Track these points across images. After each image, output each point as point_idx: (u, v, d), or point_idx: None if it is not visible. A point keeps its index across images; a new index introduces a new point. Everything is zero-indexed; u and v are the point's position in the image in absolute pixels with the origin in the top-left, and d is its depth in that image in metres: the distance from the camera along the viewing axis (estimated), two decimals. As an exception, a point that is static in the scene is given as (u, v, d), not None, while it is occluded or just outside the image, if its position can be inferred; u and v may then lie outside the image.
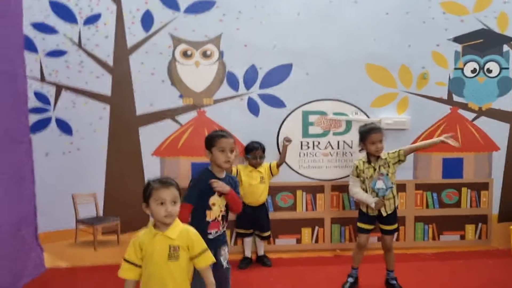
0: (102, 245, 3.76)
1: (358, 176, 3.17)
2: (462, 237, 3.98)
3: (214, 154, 2.54)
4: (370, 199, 3.09)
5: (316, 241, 3.91)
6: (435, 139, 3.29)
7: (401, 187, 3.89)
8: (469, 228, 3.98)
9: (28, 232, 3.48)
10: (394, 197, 3.16)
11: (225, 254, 2.63)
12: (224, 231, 2.63)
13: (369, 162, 3.13)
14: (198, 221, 2.50)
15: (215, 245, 2.53)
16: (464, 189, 3.95)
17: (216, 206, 2.55)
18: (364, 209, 3.17)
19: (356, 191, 3.16)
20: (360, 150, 3.33)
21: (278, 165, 3.72)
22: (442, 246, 3.95)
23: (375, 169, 3.11)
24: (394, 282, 3.14)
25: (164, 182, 2.05)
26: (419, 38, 3.77)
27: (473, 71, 3.86)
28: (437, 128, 3.87)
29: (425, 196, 3.94)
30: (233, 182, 2.66)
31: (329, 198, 3.89)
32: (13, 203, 3.26)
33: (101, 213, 3.74)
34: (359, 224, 3.21)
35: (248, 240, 3.74)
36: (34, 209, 3.58)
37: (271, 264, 3.69)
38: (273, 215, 3.77)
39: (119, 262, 3.70)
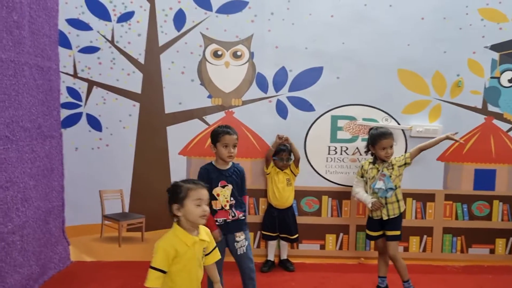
0: (126, 241, 3.79)
1: (362, 176, 3.22)
2: (492, 251, 3.86)
3: (218, 149, 2.84)
4: (368, 199, 3.11)
5: (340, 247, 3.85)
6: (440, 136, 3.28)
7: (430, 197, 3.81)
8: (500, 242, 3.85)
9: (55, 225, 3.55)
10: (398, 201, 3.15)
11: (242, 241, 2.86)
12: (238, 219, 2.87)
13: (373, 163, 3.16)
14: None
15: (225, 230, 2.82)
16: (495, 202, 3.82)
17: (221, 196, 2.84)
18: (369, 214, 3.21)
19: (357, 191, 3.23)
20: (366, 152, 3.33)
21: (296, 163, 3.67)
22: (470, 259, 3.83)
23: (378, 170, 3.13)
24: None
25: (198, 183, 2.04)
26: (455, 44, 3.66)
27: (510, 80, 3.73)
28: (470, 138, 3.76)
29: (454, 207, 3.83)
30: (239, 171, 2.94)
31: (355, 205, 3.82)
32: (43, 195, 3.33)
33: (126, 209, 3.77)
34: (366, 231, 3.26)
35: (272, 243, 3.71)
36: (62, 202, 3.65)
37: (294, 268, 3.66)
38: (297, 219, 3.73)
39: (142, 259, 3.80)
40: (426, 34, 3.65)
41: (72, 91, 3.64)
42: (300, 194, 3.79)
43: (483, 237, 3.84)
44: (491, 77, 3.72)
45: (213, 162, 2.93)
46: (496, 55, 3.70)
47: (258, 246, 3.84)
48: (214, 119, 3.72)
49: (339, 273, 3.59)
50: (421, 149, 3.22)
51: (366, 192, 3.22)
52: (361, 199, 3.21)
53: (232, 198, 2.86)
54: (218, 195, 2.83)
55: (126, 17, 3.59)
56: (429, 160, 3.70)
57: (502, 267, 3.76)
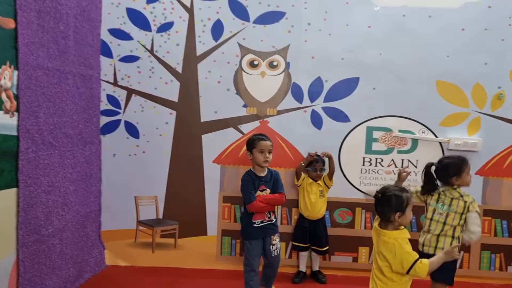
0: (160, 247, 3.84)
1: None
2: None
3: (254, 155, 3.05)
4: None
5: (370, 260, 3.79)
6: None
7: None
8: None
9: (92, 229, 3.63)
10: (439, 235, 2.89)
11: (277, 244, 3.11)
12: (273, 222, 3.11)
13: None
14: (245, 213, 3.07)
15: (263, 233, 3.05)
16: (537, 220, 3.69)
17: None
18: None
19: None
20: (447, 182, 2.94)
21: (330, 175, 3.64)
22: (509, 277, 3.70)
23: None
24: None
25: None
26: (497, 56, 3.57)
27: (554, 93, 3.61)
28: (510, 153, 3.65)
29: (493, 223, 3.71)
30: (275, 174, 3.15)
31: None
32: (81, 200, 3.42)
33: (161, 216, 3.82)
34: None
35: (304, 254, 3.68)
36: (99, 207, 3.73)
37: (325, 280, 3.62)
38: (330, 230, 3.70)
39: (175, 265, 3.83)
40: (466, 45, 3.58)
41: (111, 99, 3.74)
42: (333, 205, 3.75)
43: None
44: (534, 90, 3.61)
45: (252, 170, 3.12)
46: (539, 67, 3.59)
47: (290, 257, 3.82)
48: (249, 128, 3.74)
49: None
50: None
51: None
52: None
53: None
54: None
55: (165, 27, 3.67)
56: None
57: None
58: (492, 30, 3.56)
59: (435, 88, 3.64)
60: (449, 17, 3.57)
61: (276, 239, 3.10)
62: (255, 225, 3.02)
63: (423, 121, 3.68)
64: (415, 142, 3.71)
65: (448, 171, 2.86)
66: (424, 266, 2.16)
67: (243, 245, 3.16)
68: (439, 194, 2.89)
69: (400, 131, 3.71)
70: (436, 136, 3.68)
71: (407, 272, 2.17)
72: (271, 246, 3.07)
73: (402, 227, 2.28)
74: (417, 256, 2.18)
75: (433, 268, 2.19)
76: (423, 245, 2.89)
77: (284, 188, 3.16)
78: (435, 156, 3.59)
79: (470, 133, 3.66)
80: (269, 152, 3.05)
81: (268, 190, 3.08)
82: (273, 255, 3.08)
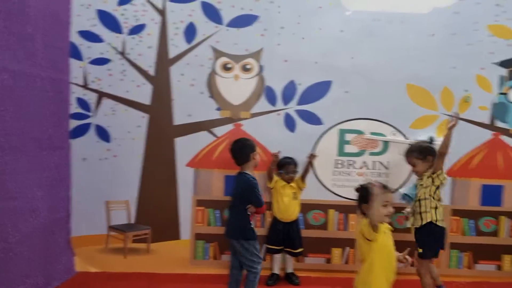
0: (132, 252, 3.78)
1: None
2: (499, 268, 3.84)
3: (256, 158, 3.15)
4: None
5: (346, 262, 3.84)
6: (446, 133, 3.28)
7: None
8: (507, 259, 3.83)
9: (61, 235, 3.54)
10: (421, 213, 3.24)
11: None
12: None
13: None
14: (247, 215, 3.07)
15: None
16: (502, 218, 3.81)
17: None
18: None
19: None
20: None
21: (303, 178, 3.68)
22: (477, 275, 3.82)
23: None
24: None
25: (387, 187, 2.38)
26: (464, 60, 3.67)
27: (518, 96, 3.75)
28: (477, 154, 3.76)
29: (461, 222, 3.82)
30: None
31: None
32: (50, 205, 3.32)
33: (133, 220, 3.76)
34: None
35: (277, 257, 3.70)
36: (68, 212, 3.64)
37: (299, 282, 3.64)
38: (303, 232, 3.72)
39: (147, 270, 3.78)
40: (435, 50, 3.68)
41: (81, 102, 3.65)
42: (306, 207, 3.78)
43: (490, 253, 3.83)
44: (500, 93, 3.73)
45: (251, 173, 3.13)
46: (504, 71, 3.71)
47: (264, 259, 3.82)
48: (222, 131, 3.73)
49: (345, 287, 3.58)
50: (441, 153, 3.23)
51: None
52: None
53: None
54: None
55: (137, 29, 3.62)
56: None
57: (509, 284, 3.74)
58: (460, 35, 3.67)
59: (405, 92, 3.72)
60: (419, 22, 3.65)
61: None
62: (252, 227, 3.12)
63: (394, 123, 3.76)
64: (386, 144, 3.77)
65: None
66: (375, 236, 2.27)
67: (245, 247, 3.07)
68: None
69: (371, 133, 3.77)
70: (406, 138, 3.75)
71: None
72: None
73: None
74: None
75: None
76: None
77: None
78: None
79: (439, 135, 3.75)
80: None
81: None
82: None
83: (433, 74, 3.68)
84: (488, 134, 3.77)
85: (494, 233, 3.82)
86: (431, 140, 3.49)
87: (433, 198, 3.17)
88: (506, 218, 3.81)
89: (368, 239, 2.29)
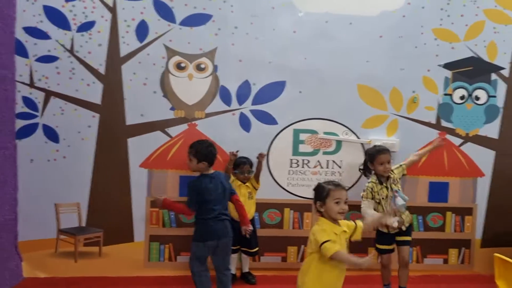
0: (83, 256, 3.67)
1: (372, 198, 3.30)
2: (445, 261, 4.01)
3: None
4: (390, 219, 3.20)
5: (302, 259, 3.89)
6: (434, 144, 3.78)
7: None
8: (453, 252, 4.02)
9: (8, 239, 3.40)
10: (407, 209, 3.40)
11: None
12: None
13: (380, 183, 3.31)
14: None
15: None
16: (448, 214, 3.99)
17: None
18: (384, 230, 3.31)
19: (373, 213, 3.25)
20: (360, 170, 3.56)
21: (256, 178, 3.70)
22: (425, 269, 3.97)
23: (387, 188, 3.32)
24: None
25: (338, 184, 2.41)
26: (411, 62, 3.82)
27: (462, 97, 3.92)
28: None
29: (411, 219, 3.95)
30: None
31: (316, 217, 3.87)
32: (-6, 209, 3.18)
33: (84, 223, 3.65)
34: (380, 246, 3.38)
35: (233, 257, 3.68)
36: (15, 216, 3.50)
37: (255, 281, 3.66)
38: (259, 231, 3.74)
39: (99, 274, 3.68)
40: (384, 51, 3.80)
41: (28, 101, 3.51)
42: (262, 207, 3.81)
43: (437, 248, 3.99)
44: (444, 94, 3.90)
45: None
46: (449, 73, 3.89)
47: (219, 259, 3.82)
48: (176, 131, 3.69)
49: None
50: (414, 161, 3.64)
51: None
52: (380, 220, 3.00)
53: None
54: None
55: (86, 26, 3.52)
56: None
57: (455, 276, 3.92)
58: (407, 38, 3.81)
59: (356, 92, 3.82)
60: (368, 25, 3.76)
61: None
62: None
63: (346, 123, 3.85)
64: (339, 143, 3.86)
65: None
66: (330, 249, 2.25)
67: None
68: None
69: (325, 133, 3.84)
70: (358, 138, 3.86)
71: (320, 246, 2.28)
72: None
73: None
74: (330, 239, 2.28)
75: (340, 257, 2.26)
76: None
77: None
78: (358, 156, 3.81)
79: (389, 135, 3.89)
80: None
81: None
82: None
83: (382, 75, 3.80)
84: (434, 134, 3.93)
85: (441, 228, 3.99)
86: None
87: None
88: (452, 214, 3.99)
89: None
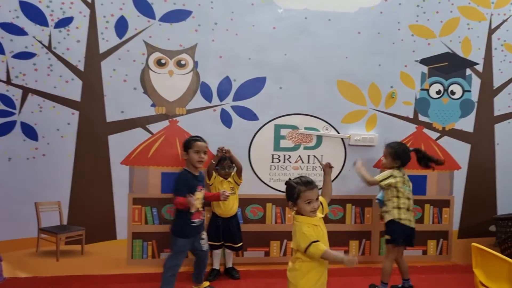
0: (65, 255, 3.63)
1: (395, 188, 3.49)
2: (424, 252, 4.12)
3: (190, 155, 3.19)
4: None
5: (285, 254, 3.94)
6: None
7: (367, 202, 4.00)
8: (431, 244, 4.12)
9: (-15, 240, 3.34)
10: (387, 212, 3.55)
11: (205, 238, 3.32)
12: (203, 219, 3.28)
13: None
14: (184, 213, 3.09)
15: (197, 231, 3.21)
16: (427, 206, 4.09)
17: (198, 200, 3.14)
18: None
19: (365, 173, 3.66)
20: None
21: (238, 173, 3.72)
22: (406, 260, 4.04)
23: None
24: None
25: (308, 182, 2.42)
26: (389, 58, 3.90)
27: (438, 92, 4.02)
28: (403, 146, 4.01)
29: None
30: (203, 176, 3.37)
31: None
32: (-29, 209, 3.12)
33: (65, 222, 3.61)
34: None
35: (217, 252, 3.71)
36: (-7, 216, 3.44)
37: (239, 276, 3.68)
38: (242, 227, 3.77)
39: (82, 272, 3.66)
40: (362, 47, 3.86)
41: (5, 98, 3.45)
42: (245, 202, 3.83)
43: (416, 239, 4.06)
44: (421, 89, 3.99)
45: (186, 169, 3.23)
46: (425, 69, 3.98)
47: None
48: (157, 128, 3.68)
49: (284, 279, 3.63)
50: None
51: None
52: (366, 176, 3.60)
53: (203, 201, 3.25)
54: (197, 198, 3.12)
55: (64, 22, 3.47)
56: (367, 168, 3.87)
57: (433, 267, 4.02)
58: (384, 34, 3.88)
59: (336, 88, 3.88)
60: (346, 21, 3.82)
61: (204, 234, 3.30)
62: (194, 225, 3.15)
63: (326, 118, 3.90)
64: (319, 138, 3.91)
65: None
66: (317, 250, 2.29)
67: (172, 241, 3.19)
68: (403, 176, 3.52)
69: (305, 128, 3.89)
70: (338, 133, 3.91)
71: (305, 251, 2.32)
72: (201, 241, 3.25)
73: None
74: (314, 239, 2.31)
75: (327, 257, 2.31)
76: (409, 220, 3.46)
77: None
78: (338, 151, 3.87)
79: (368, 129, 3.95)
80: (204, 153, 3.23)
81: (203, 190, 3.27)
82: (204, 249, 3.27)
83: (360, 70, 3.87)
84: (412, 128, 4.02)
85: (420, 220, 4.08)
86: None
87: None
88: (430, 206, 4.09)
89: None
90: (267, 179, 3.87)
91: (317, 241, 2.32)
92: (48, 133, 3.53)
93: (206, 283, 3.42)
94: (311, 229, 2.36)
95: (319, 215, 2.48)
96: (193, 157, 3.18)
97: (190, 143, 3.22)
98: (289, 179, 2.49)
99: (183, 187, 3.07)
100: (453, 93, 4.04)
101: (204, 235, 3.30)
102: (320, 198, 2.52)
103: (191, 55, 3.68)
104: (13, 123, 3.48)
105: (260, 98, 3.79)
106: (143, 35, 3.59)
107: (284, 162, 3.88)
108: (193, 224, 3.14)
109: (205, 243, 3.29)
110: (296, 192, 2.38)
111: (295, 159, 3.90)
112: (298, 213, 2.44)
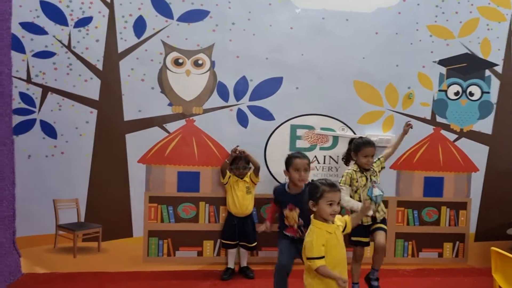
0: (82, 252, 3.68)
1: (350, 185, 3.32)
2: (440, 255, 4.07)
3: (290, 173, 3.19)
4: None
5: (299, 254, 3.93)
6: (400, 134, 3.66)
7: (384, 204, 3.96)
8: (447, 246, 4.08)
9: (5, 235, 3.40)
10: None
11: None
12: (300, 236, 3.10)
13: (361, 171, 3.33)
14: (281, 223, 3.22)
15: (297, 243, 3.05)
16: (443, 208, 4.05)
17: (290, 218, 3.13)
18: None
19: (348, 199, 3.27)
20: (343, 159, 3.62)
21: (256, 172, 3.72)
22: (420, 263, 4.03)
23: (367, 178, 3.32)
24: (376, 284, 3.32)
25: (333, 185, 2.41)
26: (407, 58, 3.86)
27: (456, 93, 3.98)
28: (420, 148, 3.97)
29: (406, 213, 4.01)
30: None
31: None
32: (-8, 205, 3.18)
33: (82, 219, 3.66)
34: (355, 238, 3.33)
35: (232, 251, 3.73)
36: (13, 212, 3.49)
37: (253, 276, 3.69)
38: (257, 226, 3.77)
39: (98, 269, 3.71)
40: (380, 48, 3.83)
41: (25, 97, 3.50)
42: (260, 202, 3.82)
43: (432, 242, 4.05)
44: (439, 90, 3.95)
45: (284, 184, 3.31)
46: (443, 70, 3.93)
47: (218, 254, 3.85)
48: (174, 127, 3.70)
49: (299, 279, 3.63)
50: (390, 154, 3.61)
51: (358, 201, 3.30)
52: (354, 206, 3.19)
53: (300, 219, 3.11)
54: (286, 217, 3.15)
55: (83, 22, 3.51)
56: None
57: (449, 270, 3.98)
58: (402, 35, 3.85)
59: (353, 88, 3.85)
60: (363, 21, 3.79)
61: None
62: (288, 236, 3.17)
63: (343, 119, 3.88)
64: (335, 139, 3.90)
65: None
66: (314, 264, 2.32)
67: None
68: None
69: (322, 128, 3.88)
70: (354, 133, 3.89)
71: (307, 258, 2.34)
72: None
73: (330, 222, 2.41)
74: (320, 255, 2.31)
75: (322, 272, 2.32)
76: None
77: None
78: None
79: (385, 130, 3.93)
80: (305, 171, 3.17)
81: (297, 210, 3.11)
82: None
83: (378, 71, 3.84)
84: (429, 129, 3.98)
85: (436, 222, 4.04)
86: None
87: None
88: (446, 208, 4.05)
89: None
90: (282, 179, 3.85)
91: (322, 257, 2.32)
92: (66, 131, 3.57)
93: None
94: (324, 238, 2.35)
95: (338, 222, 2.48)
96: (293, 176, 3.16)
97: (290, 160, 3.22)
98: (312, 180, 2.49)
99: (275, 199, 3.28)
100: (471, 94, 3.99)
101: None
102: (346, 217, 2.54)
103: (208, 55, 3.69)
104: (33, 121, 3.53)
105: (276, 98, 3.79)
106: (161, 34, 3.61)
107: (299, 162, 3.87)
108: (287, 235, 3.17)
109: None
110: (320, 191, 2.38)
111: (311, 159, 3.88)
112: (316, 216, 2.44)
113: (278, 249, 3.20)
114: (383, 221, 3.37)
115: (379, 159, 3.52)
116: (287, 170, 3.25)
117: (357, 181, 3.32)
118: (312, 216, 2.47)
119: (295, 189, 3.19)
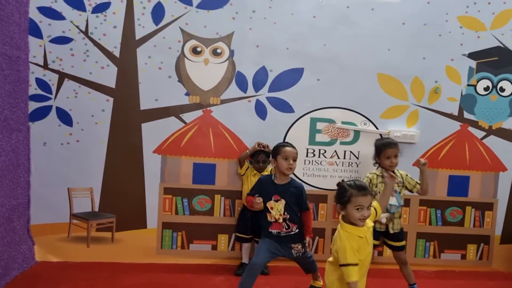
0: (95, 241, 3.65)
1: None
2: (463, 257, 3.91)
3: (278, 161, 2.97)
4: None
5: (316, 251, 3.82)
6: (420, 175, 3.27)
7: (405, 202, 3.77)
8: (471, 248, 3.91)
9: (20, 223, 3.38)
10: (400, 217, 3.24)
11: (298, 248, 3.00)
12: (293, 232, 2.95)
13: (383, 177, 3.12)
14: (263, 221, 3.00)
15: (283, 241, 2.95)
16: (468, 208, 3.88)
17: (275, 210, 2.94)
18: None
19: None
20: (374, 164, 3.38)
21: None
22: (442, 264, 3.88)
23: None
24: None
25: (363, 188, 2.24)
26: (434, 51, 3.69)
27: (486, 88, 3.79)
28: (445, 145, 3.80)
29: (428, 212, 3.86)
30: (296, 188, 3.01)
31: (331, 208, 3.80)
32: (7, 192, 3.15)
33: (96, 208, 3.62)
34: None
35: (246, 246, 3.64)
36: (27, 199, 3.48)
37: (268, 272, 3.60)
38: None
39: (111, 260, 3.66)
40: (406, 39, 3.67)
41: (41, 83, 3.46)
42: (276, 196, 3.73)
43: (455, 243, 3.89)
44: (468, 85, 3.77)
45: (270, 174, 3.10)
46: (473, 63, 3.75)
47: (233, 249, 3.77)
48: (191, 117, 3.62)
49: (286, 276, 3.55)
50: (419, 192, 3.30)
51: None
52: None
53: (286, 213, 2.95)
54: (271, 208, 2.95)
55: (101, 7, 3.44)
56: (405, 166, 3.65)
57: (473, 273, 3.82)
58: (430, 26, 3.67)
59: (376, 81, 3.70)
60: (390, 11, 3.63)
61: (298, 246, 2.99)
62: (272, 233, 2.97)
63: (365, 113, 3.74)
64: (357, 133, 3.76)
65: None
66: (351, 275, 2.15)
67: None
68: None
69: (343, 122, 3.74)
70: (377, 128, 3.75)
71: (340, 265, 2.19)
72: (292, 250, 2.97)
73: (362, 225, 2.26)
74: (354, 262, 2.17)
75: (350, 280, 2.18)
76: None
77: (307, 203, 3.04)
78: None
79: (409, 126, 3.77)
80: (294, 160, 3.00)
81: (283, 201, 2.94)
82: (294, 256, 3.01)
83: (403, 63, 3.68)
84: (456, 125, 3.81)
85: (460, 223, 3.88)
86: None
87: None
88: (472, 209, 3.88)
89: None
90: (300, 174, 3.75)
91: (356, 264, 2.17)
92: (82, 119, 3.53)
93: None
94: (356, 244, 2.19)
95: (369, 223, 2.31)
96: (281, 164, 2.96)
97: (278, 149, 3.03)
98: (342, 180, 2.32)
99: (257, 189, 3.01)
100: (502, 90, 3.79)
101: (297, 247, 2.99)
102: (374, 204, 2.38)
103: (227, 44, 3.59)
104: (49, 108, 3.49)
105: (296, 89, 3.67)
106: (179, 22, 3.52)
107: (319, 157, 3.76)
108: (272, 232, 2.96)
109: (297, 252, 2.99)
110: (348, 195, 2.21)
111: (331, 154, 3.76)
112: (345, 219, 2.28)
113: (257, 247, 3.08)
114: (399, 235, 3.22)
115: (416, 183, 3.27)
116: (274, 159, 3.02)
117: (376, 186, 3.20)
118: (340, 217, 2.32)
119: (282, 179, 3.00)
